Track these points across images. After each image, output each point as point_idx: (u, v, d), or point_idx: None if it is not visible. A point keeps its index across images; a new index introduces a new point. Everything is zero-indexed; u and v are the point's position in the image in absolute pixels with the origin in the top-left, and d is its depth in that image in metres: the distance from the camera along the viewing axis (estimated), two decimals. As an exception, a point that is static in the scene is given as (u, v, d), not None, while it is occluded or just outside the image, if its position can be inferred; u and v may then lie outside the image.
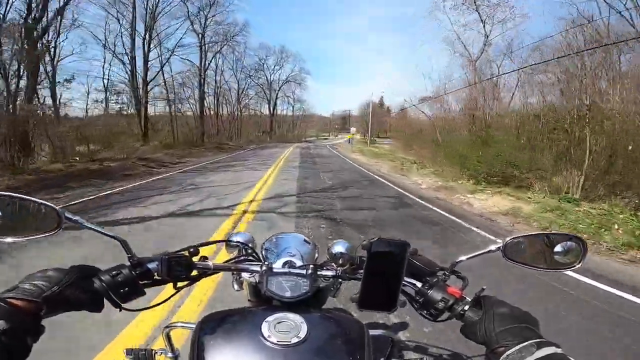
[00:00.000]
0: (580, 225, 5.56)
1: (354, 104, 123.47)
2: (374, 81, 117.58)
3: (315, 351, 0.50)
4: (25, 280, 0.48)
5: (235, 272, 0.78)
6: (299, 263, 0.66)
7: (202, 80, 29.34)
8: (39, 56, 12.99)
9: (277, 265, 0.64)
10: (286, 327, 0.52)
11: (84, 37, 20.85)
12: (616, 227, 5.29)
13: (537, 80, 11.76)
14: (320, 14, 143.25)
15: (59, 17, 14.92)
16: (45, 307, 0.46)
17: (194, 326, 0.57)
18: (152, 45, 22.97)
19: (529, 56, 11.98)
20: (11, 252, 3.08)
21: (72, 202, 5.60)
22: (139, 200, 5.92)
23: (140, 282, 0.57)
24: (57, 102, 16.37)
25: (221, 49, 32.57)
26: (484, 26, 15.25)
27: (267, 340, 0.50)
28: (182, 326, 0.71)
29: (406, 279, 0.59)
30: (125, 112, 22.52)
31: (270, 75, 47.94)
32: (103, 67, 21.88)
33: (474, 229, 5.03)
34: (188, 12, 25.76)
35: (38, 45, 13.10)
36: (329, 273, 0.65)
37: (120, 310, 0.56)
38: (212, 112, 34.79)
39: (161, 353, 0.76)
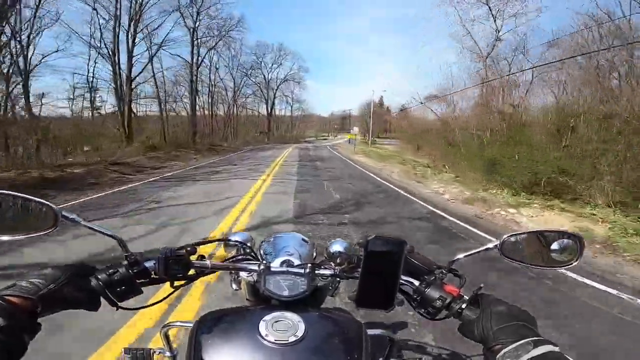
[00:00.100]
0: None
1: (353, 104, 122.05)
2: (374, 81, 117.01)
3: (313, 350, 0.50)
4: (22, 278, 0.48)
5: (233, 272, 0.78)
6: (297, 262, 0.65)
7: (194, 77, 27.35)
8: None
9: (275, 265, 0.64)
10: (284, 326, 0.51)
11: (71, 33, 18.86)
12: None
13: (554, 77, 10.73)
14: (321, 14, 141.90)
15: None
16: (42, 305, 0.46)
17: (191, 325, 0.56)
18: (138, 39, 21.12)
19: (546, 52, 11.40)
20: None
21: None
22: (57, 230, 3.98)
23: (137, 281, 0.57)
24: (26, 101, 14.53)
25: (215, 45, 30.78)
26: (494, 21, 14.51)
27: (265, 339, 0.49)
28: (180, 325, 0.70)
29: (404, 277, 0.59)
30: (101, 113, 20.65)
31: (268, 74, 46.45)
32: (88, 64, 20.05)
33: (564, 271, 3.17)
34: (179, 4, 23.90)
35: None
36: (327, 272, 0.64)
37: (117, 309, 0.56)
38: (206, 112, 33.05)
39: (159, 352, 0.74)
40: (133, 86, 21.01)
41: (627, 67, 8.61)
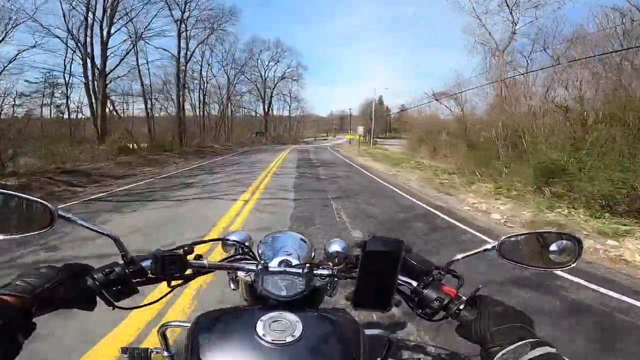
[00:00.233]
0: None
1: (353, 104, 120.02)
2: (374, 81, 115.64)
3: (310, 350, 0.49)
4: (17, 277, 0.48)
5: (230, 271, 0.77)
6: (295, 262, 0.65)
7: (180, 70, 24.79)
8: None
9: (273, 264, 0.64)
10: (281, 326, 0.51)
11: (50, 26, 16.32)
12: None
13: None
14: (320, 14, 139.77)
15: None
16: (37, 305, 0.46)
17: (189, 325, 0.55)
18: (116, 31, 18.62)
19: (569, 47, 10.36)
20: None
21: None
22: None
23: (134, 281, 0.56)
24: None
25: (206, 38, 28.31)
26: (510, 12, 13.58)
27: (262, 339, 0.49)
28: (178, 325, 0.71)
29: (401, 277, 0.59)
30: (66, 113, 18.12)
31: (265, 72, 44.03)
32: (65, 60, 17.53)
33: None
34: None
35: None
36: (325, 272, 0.64)
37: (113, 309, 0.55)
38: (198, 111, 30.61)
39: (157, 352, 0.74)
40: (108, 81, 18.52)
41: None
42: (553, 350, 0.43)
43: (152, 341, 1.84)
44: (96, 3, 16.96)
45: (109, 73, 18.25)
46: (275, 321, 0.51)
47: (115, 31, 18.59)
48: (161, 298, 0.65)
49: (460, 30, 17.01)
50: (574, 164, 6.96)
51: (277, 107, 50.76)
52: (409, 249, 0.63)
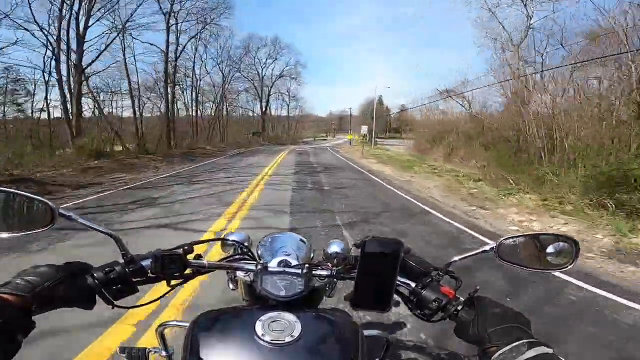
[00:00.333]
0: None
1: (353, 104, 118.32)
2: (374, 81, 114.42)
3: (309, 350, 0.49)
4: (17, 276, 0.47)
5: (230, 271, 0.77)
6: (294, 262, 0.65)
7: (169, 65, 22.96)
8: None
9: (272, 264, 0.63)
10: (280, 326, 0.50)
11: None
12: None
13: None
14: (320, 14, 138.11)
15: None
16: (36, 303, 0.45)
17: (187, 325, 0.55)
18: (92, 20, 16.78)
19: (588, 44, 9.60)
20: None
21: None
22: None
23: (134, 280, 0.56)
24: None
25: (198, 33, 26.46)
26: (525, 6, 12.81)
27: (261, 339, 0.48)
28: (176, 325, 0.69)
29: (400, 278, 0.58)
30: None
31: (262, 70, 42.24)
32: (44, 56, 15.66)
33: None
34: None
35: None
36: (324, 272, 0.64)
37: (112, 308, 0.55)
38: (191, 111, 28.82)
39: (155, 352, 0.72)
40: (86, 77, 16.70)
41: None
42: (549, 350, 0.43)
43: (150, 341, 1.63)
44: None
45: (85, 68, 16.42)
46: (274, 321, 0.51)
47: (94, 22, 16.78)
48: (161, 297, 0.64)
49: (470, 24, 15.99)
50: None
51: (275, 107, 49.09)
52: (408, 250, 0.63)
